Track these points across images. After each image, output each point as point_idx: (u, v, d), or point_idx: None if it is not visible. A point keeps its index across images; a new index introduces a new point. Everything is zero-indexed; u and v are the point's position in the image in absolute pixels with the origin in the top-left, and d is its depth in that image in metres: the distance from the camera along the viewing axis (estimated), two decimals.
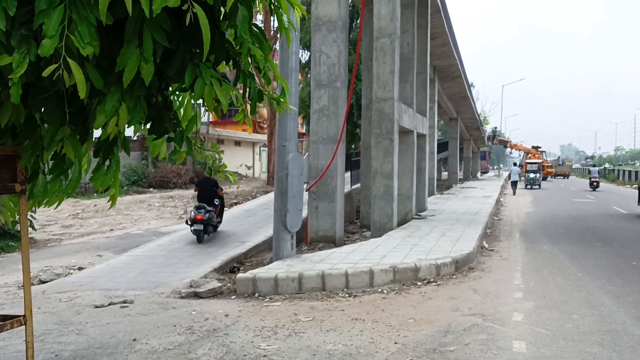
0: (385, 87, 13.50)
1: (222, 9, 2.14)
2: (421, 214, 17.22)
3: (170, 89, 2.59)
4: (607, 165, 78.92)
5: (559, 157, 79.83)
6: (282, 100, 2.83)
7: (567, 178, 68.54)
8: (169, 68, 2.13)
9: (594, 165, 53.48)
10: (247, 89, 2.52)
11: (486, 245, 12.14)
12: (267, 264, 9.75)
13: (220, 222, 13.90)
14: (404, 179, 15.69)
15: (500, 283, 8.55)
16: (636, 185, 28.78)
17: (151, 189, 26.31)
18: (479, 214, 17.31)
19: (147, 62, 1.97)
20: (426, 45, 18.36)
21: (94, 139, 2.54)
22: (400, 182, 15.10)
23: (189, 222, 12.75)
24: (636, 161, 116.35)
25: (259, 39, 2.39)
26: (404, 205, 15.70)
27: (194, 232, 12.60)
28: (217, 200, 13.50)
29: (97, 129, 2.27)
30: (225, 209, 14.90)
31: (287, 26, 2.51)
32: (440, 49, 24.58)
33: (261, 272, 8.66)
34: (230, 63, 2.33)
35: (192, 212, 12.81)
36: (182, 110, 2.79)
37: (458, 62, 28.46)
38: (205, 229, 12.70)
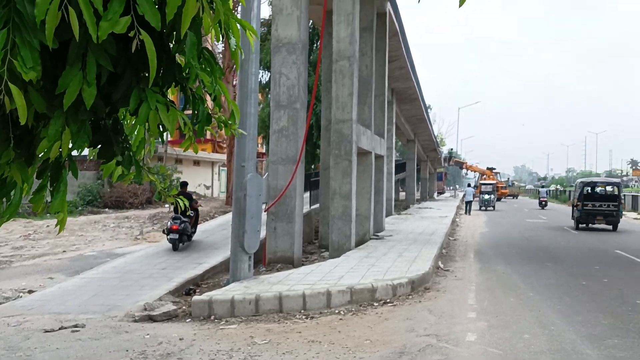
0: (344, 108, 13.66)
1: (173, 33, 2.15)
2: (379, 234, 17.36)
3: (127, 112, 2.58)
4: (558, 186, 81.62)
5: (508, 178, 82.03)
6: (230, 123, 2.84)
7: (516, 198, 70.73)
8: (115, 92, 2.12)
9: (543, 187, 59.42)
10: (196, 113, 2.52)
11: (442, 266, 12.32)
12: (224, 285, 9.63)
13: (194, 232, 15.14)
14: (362, 199, 15.83)
15: (455, 303, 8.67)
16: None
17: (107, 209, 25.73)
18: (435, 234, 17.56)
19: (90, 85, 1.96)
20: (384, 68, 18.69)
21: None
22: (358, 202, 15.22)
23: (166, 232, 14.06)
24: None
25: (209, 63, 2.40)
26: (362, 226, 15.80)
27: (170, 240, 13.87)
28: (192, 212, 14.68)
29: (39, 153, 2.23)
30: None
31: (234, 49, 2.52)
32: (398, 71, 25.05)
33: (217, 294, 8.56)
34: (179, 87, 2.34)
35: (169, 223, 14.10)
36: (135, 133, 2.76)
37: (415, 84, 29.03)
38: (181, 238, 13.98)
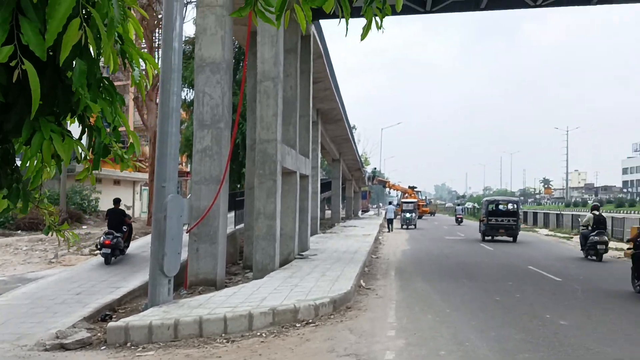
0: (268, 128, 13.71)
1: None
2: (303, 253, 17.44)
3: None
4: (475, 204, 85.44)
5: (425, 197, 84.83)
6: (126, 157, 2.80)
7: (434, 215, 73.86)
8: (6, 122, 2.06)
9: (459, 205, 69.40)
10: (93, 144, 2.48)
11: (364, 284, 12.52)
12: (143, 310, 9.35)
13: (127, 246, 15.62)
14: (287, 219, 15.87)
15: (375, 322, 8.84)
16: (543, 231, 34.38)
17: (19, 232, 24.41)
18: (358, 253, 17.83)
19: None
20: (309, 89, 18.94)
21: None
22: (283, 222, 15.24)
23: (99, 246, 14.64)
24: None
25: (109, 93, 2.38)
26: (287, 245, 15.82)
27: (103, 254, 14.30)
28: (125, 227, 15.28)
29: None
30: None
31: (137, 80, 2.51)
32: (323, 92, 25.44)
33: (134, 319, 8.30)
34: (76, 117, 2.30)
35: (102, 237, 14.60)
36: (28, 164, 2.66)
37: (340, 105, 29.56)
38: (113, 253, 14.43)
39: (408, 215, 40.08)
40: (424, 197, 78.85)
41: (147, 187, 33.16)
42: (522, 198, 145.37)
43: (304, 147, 18.78)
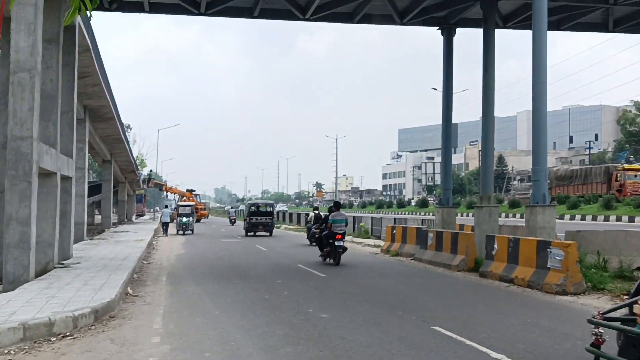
0: (22, 124, 12.36)
1: None
2: (65, 262, 16.07)
3: None
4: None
5: (200, 200, 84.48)
6: None
7: (207, 218, 74.85)
8: None
9: (232, 208, 77.94)
10: None
11: (131, 291, 11.98)
12: None
13: None
14: (45, 224, 14.48)
15: (140, 329, 8.51)
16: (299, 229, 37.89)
17: None
18: (127, 259, 17.03)
19: None
20: (73, 83, 17.53)
21: None
22: (40, 228, 13.87)
23: None
24: (283, 203, 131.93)
25: None
26: (45, 254, 14.42)
27: None
28: None
29: None
30: None
31: None
32: (91, 88, 23.82)
33: None
34: None
35: None
36: None
37: (111, 103, 27.98)
38: None
39: (185, 219, 37.50)
40: (203, 201, 78.66)
41: None
42: (297, 200, 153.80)
43: (67, 146, 17.32)
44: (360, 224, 33.06)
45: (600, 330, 4.46)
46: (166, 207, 41.73)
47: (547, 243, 12.83)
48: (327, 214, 19.92)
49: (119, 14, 19.65)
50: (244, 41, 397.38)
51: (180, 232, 37.19)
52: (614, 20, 21.29)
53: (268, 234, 35.03)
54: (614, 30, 21.85)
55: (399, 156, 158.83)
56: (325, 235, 18.46)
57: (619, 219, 40.14)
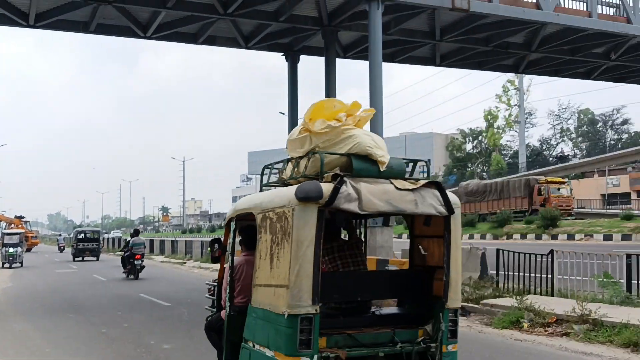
0: None
1: None
2: None
3: None
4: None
5: (30, 228, 75.87)
6: None
7: (37, 246, 68.64)
8: None
9: (60, 235, 75.38)
10: None
11: None
12: None
13: None
14: None
15: None
16: (120, 253, 33.69)
17: None
18: None
19: None
20: None
21: None
22: None
23: None
24: (121, 229, 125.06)
25: None
26: None
27: None
28: None
29: None
30: None
31: None
32: None
33: None
34: None
35: None
36: None
37: None
38: None
39: (12, 250, 32.01)
40: (34, 229, 72.28)
41: None
42: (142, 226, 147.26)
43: None
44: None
45: None
46: None
47: (385, 261, 13.67)
48: (129, 239, 24.06)
49: None
50: (80, 58, 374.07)
51: (7, 264, 31.95)
52: (440, 55, 23.53)
53: (95, 258, 37.38)
54: (440, 64, 24.20)
55: (249, 179, 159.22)
56: (127, 256, 22.58)
57: (523, 236, 37.69)
